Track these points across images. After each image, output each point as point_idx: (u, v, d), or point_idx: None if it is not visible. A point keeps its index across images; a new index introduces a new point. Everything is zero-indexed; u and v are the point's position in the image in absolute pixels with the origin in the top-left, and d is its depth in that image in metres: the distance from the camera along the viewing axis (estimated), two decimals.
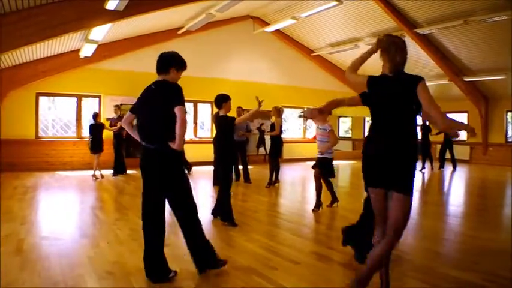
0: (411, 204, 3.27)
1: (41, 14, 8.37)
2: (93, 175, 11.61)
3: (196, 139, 16.41)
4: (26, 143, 13.19)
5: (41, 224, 6.34)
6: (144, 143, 4.01)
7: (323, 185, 7.75)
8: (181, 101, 3.84)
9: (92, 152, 11.67)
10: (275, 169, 10.47)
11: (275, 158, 10.50)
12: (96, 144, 11.60)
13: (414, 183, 3.26)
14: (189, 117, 16.74)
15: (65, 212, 7.13)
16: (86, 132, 14.65)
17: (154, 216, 4.04)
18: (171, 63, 4.14)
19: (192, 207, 4.10)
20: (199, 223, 4.16)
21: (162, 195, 4.02)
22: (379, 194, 3.32)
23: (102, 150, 11.75)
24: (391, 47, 3.38)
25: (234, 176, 11.17)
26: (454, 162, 15.71)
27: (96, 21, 9.32)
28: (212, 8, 12.17)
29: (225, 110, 6.55)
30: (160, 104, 3.89)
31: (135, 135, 4.21)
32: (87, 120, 14.81)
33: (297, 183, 12.28)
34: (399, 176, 3.22)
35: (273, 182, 10.49)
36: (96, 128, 11.66)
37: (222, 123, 6.60)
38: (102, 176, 11.71)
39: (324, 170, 7.62)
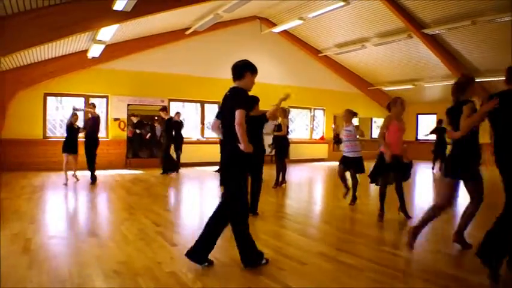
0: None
1: (50, 15, 8.43)
2: (73, 175, 11.06)
3: (203, 139, 16.44)
4: (34, 143, 13.27)
5: (48, 224, 6.37)
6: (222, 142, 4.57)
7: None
8: (240, 105, 4.14)
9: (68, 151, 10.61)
10: (282, 170, 10.44)
11: (282, 158, 10.47)
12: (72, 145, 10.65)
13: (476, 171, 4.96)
14: (197, 118, 16.79)
15: (72, 211, 7.16)
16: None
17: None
18: (245, 68, 4.41)
19: (235, 211, 4.38)
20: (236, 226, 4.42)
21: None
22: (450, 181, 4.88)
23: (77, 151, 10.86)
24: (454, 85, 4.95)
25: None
26: None
27: (104, 21, 9.38)
28: (219, 8, 12.20)
29: (256, 111, 6.71)
30: (230, 108, 4.21)
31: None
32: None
33: (304, 184, 12.26)
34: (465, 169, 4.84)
35: (280, 182, 10.47)
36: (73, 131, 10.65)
37: (258, 123, 6.71)
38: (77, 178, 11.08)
39: (358, 168, 7.96)
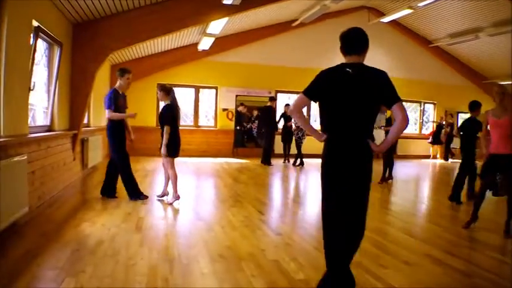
0: None
1: (162, 10, 8.82)
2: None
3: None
4: (147, 130, 14.01)
5: (159, 205, 6.72)
6: (333, 135, 3.24)
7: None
8: (399, 97, 3.13)
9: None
10: (388, 165, 10.08)
11: (389, 154, 10.10)
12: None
13: None
14: (303, 109, 16.76)
15: (181, 195, 7.41)
16: (202, 122, 15.39)
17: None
18: (367, 44, 3.27)
19: (362, 229, 3.30)
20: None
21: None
22: None
23: None
24: None
25: None
26: None
27: (214, 15, 9.63)
28: None
29: None
30: (366, 95, 3.10)
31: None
32: (204, 111, 15.52)
33: (411, 181, 11.76)
34: None
35: (386, 178, 10.13)
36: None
37: None
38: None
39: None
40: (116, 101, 6.90)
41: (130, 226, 5.25)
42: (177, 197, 6.84)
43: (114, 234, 4.83)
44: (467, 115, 8.09)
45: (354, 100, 3.09)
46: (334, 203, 3.22)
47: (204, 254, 4.28)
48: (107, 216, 5.72)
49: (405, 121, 3.06)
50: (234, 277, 3.72)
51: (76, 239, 4.60)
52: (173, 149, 6.89)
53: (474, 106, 7.67)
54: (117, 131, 7.02)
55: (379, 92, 3.09)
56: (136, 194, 6.97)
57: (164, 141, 6.68)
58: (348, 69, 3.13)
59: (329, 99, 3.20)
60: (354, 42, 3.24)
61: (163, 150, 6.73)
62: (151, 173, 10.13)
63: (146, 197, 7.03)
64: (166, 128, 6.67)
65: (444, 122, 17.03)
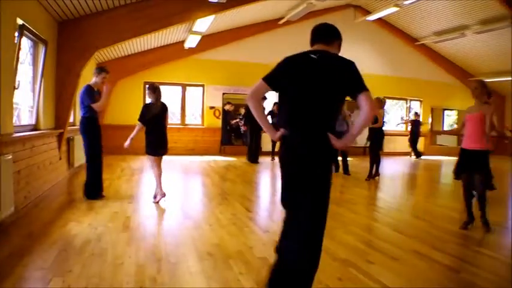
0: None
1: (149, 8, 8.78)
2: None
3: None
4: (132, 129, 13.85)
5: (146, 204, 6.69)
6: (291, 129, 2.91)
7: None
8: (365, 86, 2.84)
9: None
10: (375, 162, 10.15)
11: (376, 151, 10.17)
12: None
13: None
14: None
15: (169, 193, 7.34)
16: (189, 120, 15.35)
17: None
18: (337, 36, 3.26)
19: (318, 234, 2.98)
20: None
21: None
22: None
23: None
24: None
25: (333, 168, 11.08)
26: None
27: (200, 13, 9.60)
28: None
29: None
30: (330, 82, 2.83)
31: None
32: (191, 109, 15.46)
33: (398, 178, 11.82)
34: None
35: (373, 175, 10.20)
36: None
37: None
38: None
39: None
40: (92, 97, 6.72)
41: (117, 225, 5.22)
42: (163, 195, 6.79)
43: (101, 234, 4.80)
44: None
45: (317, 87, 2.81)
46: (288, 207, 3.10)
47: (192, 252, 4.28)
48: (93, 215, 5.69)
49: (371, 111, 2.75)
50: (222, 275, 3.72)
51: (63, 239, 4.56)
52: (151, 147, 7.07)
53: None
54: (92, 127, 6.86)
55: (344, 80, 2.83)
56: (95, 194, 6.81)
57: (131, 135, 6.99)
58: (312, 55, 2.94)
59: (291, 86, 2.90)
60: (322, 31, 3.24)
61: (126, 142, 6.96)
62: (138, 172, 10.09)
63: (103, 196, 6.92)
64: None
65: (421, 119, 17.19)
